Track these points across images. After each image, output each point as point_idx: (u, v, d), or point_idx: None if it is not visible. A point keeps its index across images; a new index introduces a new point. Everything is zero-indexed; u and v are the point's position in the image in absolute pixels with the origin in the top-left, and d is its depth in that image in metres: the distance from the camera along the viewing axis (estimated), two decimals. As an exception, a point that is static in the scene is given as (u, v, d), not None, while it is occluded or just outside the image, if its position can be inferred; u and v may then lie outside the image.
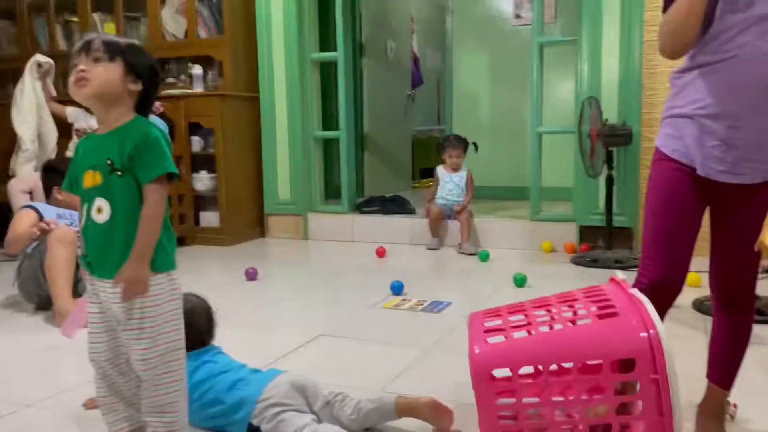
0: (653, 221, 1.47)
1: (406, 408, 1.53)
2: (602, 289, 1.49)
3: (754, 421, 1.63)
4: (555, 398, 1.37)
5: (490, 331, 1.44)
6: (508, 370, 1.36)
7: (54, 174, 2.88)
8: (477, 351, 1.35)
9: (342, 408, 1.54)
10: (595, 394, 1.35)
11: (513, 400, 1.35)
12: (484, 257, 3.68)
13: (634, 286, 1.44)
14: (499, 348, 1.37)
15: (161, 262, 1.26)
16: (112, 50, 1.27)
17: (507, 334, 1.40)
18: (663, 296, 1.43)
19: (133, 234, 1.23)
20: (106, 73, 1.26)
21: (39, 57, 3.98)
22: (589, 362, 1.38)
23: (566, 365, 1.36)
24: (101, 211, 1.24)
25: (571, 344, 1.33)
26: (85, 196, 1.28)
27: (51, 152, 3.98)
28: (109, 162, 1.24)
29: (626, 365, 1.33)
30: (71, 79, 1.26)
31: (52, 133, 4.00)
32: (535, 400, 1.38)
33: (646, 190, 1.52)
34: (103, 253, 1.25)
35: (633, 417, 1.39)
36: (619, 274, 1.52)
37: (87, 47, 1.26)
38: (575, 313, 1.43)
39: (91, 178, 1.26)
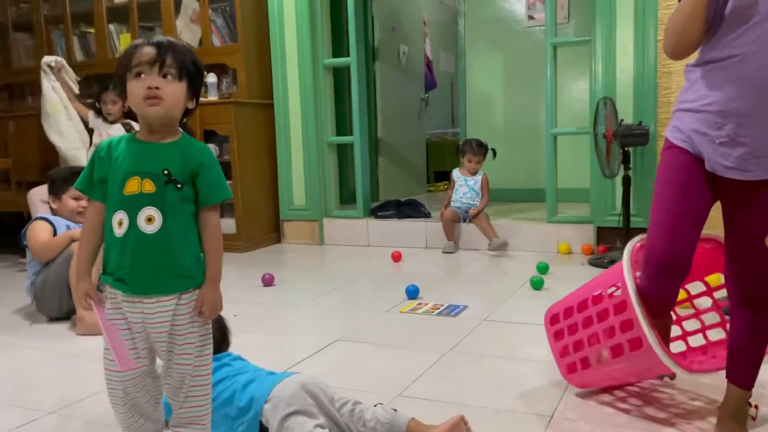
0: (661, 201, 1.48)
1: None
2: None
3: (777, 422, 1.61)
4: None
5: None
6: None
7: (55, 184, 2.88)
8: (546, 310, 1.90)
9: (352, 418, 1.54)
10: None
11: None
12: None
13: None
14: (555, 305, 1.89)
15: (203, 277, 1.26)
16: (182, 69, 1.23)
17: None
18: (674, 274, 1.47)
19: (179, 247, 1.22)
20: (177, 93, 1.23)
21: (45, 58, 3.99)
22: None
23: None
24: (152, 220, 1.20)
25: (586, 288, 1.80)
26: (124, 203, 1.21)
27: (82, 141, 3.97)
28: (166, 172, 1.20)
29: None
30: (140, 92, 1.20)
31: (81, 131, 3.97)
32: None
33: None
34: (148, 265, 1.20)
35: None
36: None
37: (161, 62, 1.21)
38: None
39: (136, 185, 1.20)
